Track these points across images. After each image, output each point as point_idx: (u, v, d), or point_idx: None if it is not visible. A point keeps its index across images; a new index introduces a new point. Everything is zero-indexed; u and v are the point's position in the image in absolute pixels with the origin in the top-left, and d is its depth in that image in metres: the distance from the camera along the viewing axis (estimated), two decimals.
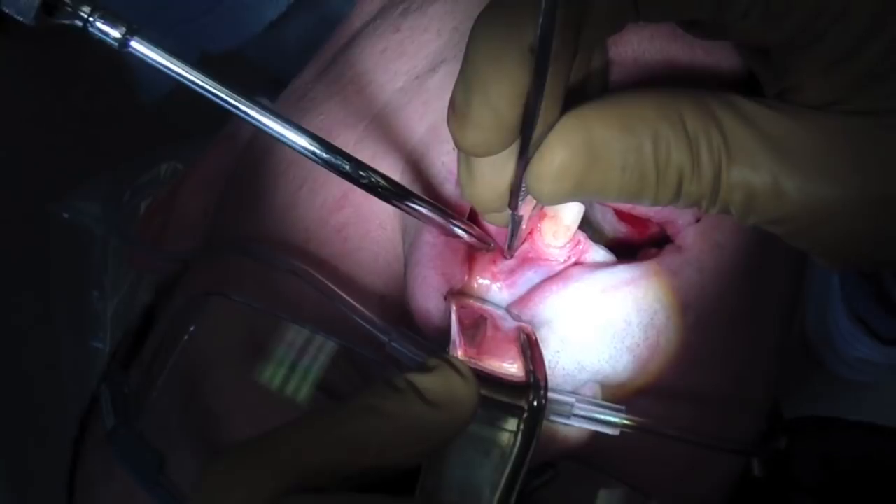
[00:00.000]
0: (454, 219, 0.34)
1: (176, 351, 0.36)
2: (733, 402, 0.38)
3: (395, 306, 0.36)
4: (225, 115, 0.51)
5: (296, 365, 0.35)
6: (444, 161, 0.35)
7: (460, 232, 0.34)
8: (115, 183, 0.57)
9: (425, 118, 0.36)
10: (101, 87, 0.63)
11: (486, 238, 0.35)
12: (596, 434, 0.33)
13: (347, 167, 0.31)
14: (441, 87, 0.36)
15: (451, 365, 0.28)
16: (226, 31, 0.57)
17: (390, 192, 0.32)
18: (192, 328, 0.36)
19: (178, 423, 0.36)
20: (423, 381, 0.27)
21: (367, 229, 0.36)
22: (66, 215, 0.57)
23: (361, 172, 0.31)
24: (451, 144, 0.35)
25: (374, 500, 0.25)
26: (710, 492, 0.40)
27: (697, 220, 0.35)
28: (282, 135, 0.30)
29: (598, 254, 0.36)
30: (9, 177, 0.60)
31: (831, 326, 0.65)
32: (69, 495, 0.43)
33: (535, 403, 0.29)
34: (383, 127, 0.37)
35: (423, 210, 0.32)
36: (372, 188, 0.31)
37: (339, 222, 0.37)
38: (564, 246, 0.36)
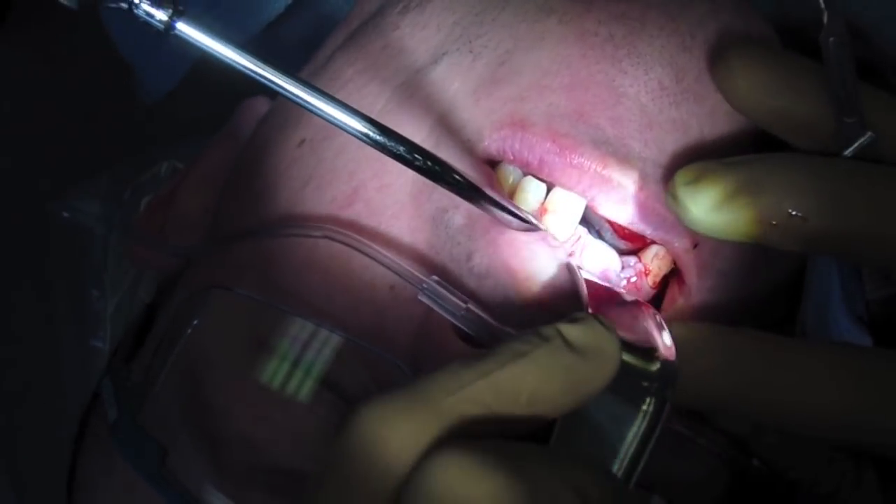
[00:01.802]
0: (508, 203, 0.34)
1: (178, 344, 0.36)
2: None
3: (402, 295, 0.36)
4: (225, 114, 0.52)
5: (298, 358, 0.35)
6: (458, 149, 0.35)
7: (513, 219, 0.34)
8: (115, 182, 0.57)
9: (431, 111, 0.36)
10: (101, 87, 0.63)
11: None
12: None
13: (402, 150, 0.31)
14: (444, 79, 0.37)
15: (597, 318, 0.28)
16: (225, 31, 0.57)
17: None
18: (194, 321, 0.36)
19: (181, 416, 0.36)
20: (571, 330, 0.27)
21: (379, 221, 0.36)
22: (66, 215, 0.57)
23: (416, 156, 0.31)
24: (464, 135, 0.35)
25: (529, 448, 0.25)
26: (713, 489, 0.40)
27: (695, 246, 0.36)
28: (345, 123, 0.30)
29: (599, 249, 0.36)
30: (9, 177, 0.60)
31: (831, 326, 0.65)
32: (69, 493, 0.43)
33: (668, 370, 0.29)
34: (388, 123, 0.37)
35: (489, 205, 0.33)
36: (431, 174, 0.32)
37: (349, 217, 0.36)
38: (566, 241, 0.36)
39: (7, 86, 0.60)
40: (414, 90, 0.37)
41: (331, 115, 0.30)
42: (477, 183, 0.32)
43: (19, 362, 0.62)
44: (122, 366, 0.39)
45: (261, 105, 0.49)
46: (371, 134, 0.30)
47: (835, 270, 0.65)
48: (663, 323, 0.32)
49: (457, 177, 0.32)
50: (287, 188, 0.38)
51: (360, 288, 0.35)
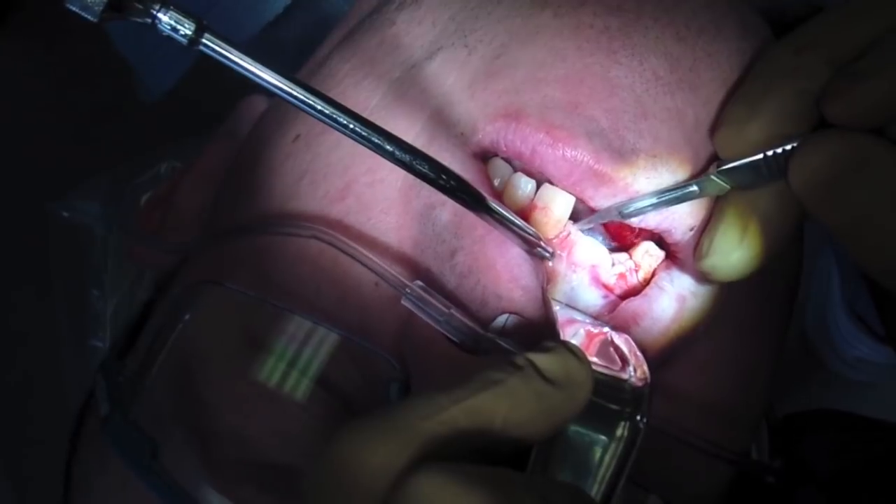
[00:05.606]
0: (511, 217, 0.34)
1: (170, 339, 0.36)
2: (735, 407, 0.39)
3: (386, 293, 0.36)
4: (225, 114, 0.52)
5: (289, 354, 0.35)
6: (451, 143, 0.35)
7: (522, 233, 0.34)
8: (115, 182, 0.57)
9: (426, 105, 0.36)
10: (101, 87, 0.63)
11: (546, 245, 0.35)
12: None
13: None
14: (439, 74, 0.36)
15: (568, 348, 0.28)
16: (224, 31, 0.57)
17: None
18: (186, 317, 0.36)
19: (172, 412, 0.36)
20: (542, 360, 0.28)
21: (368, 216, 0.36)
22: (66, 215, 0.58)
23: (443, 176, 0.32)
24: (458, 128, 0.35)
25: (503, 472, 0.25)
26: (710, 489, 0.40)
27: (691, 230, 0.35)
28: (371, 140, 0.31)
29: (589, 244, 0.36)
30: (9, 177, 0.60)
31: (831, 326, 0.65)
32: (65, 492, 0.43)
33: (641, 394, 0.30)
34: (383, 118, 0.37)
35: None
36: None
37: (340, 212, 0.36)
38: (555, 237, 0.36)
39: (7, 86, 0.61)
40: (409, 85, 0.37)
41: (373, 137, 0.31)
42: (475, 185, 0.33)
43: (19, 362, 0.62)
44: (115, 362, 0.39)
45: (259, 103, 0.49)
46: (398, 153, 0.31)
47: (835, 271, 0.65)
48: (635, 346, 0.32)
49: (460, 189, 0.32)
50: (281, 183, 0.38)
51: (346, 284, 0.35)
